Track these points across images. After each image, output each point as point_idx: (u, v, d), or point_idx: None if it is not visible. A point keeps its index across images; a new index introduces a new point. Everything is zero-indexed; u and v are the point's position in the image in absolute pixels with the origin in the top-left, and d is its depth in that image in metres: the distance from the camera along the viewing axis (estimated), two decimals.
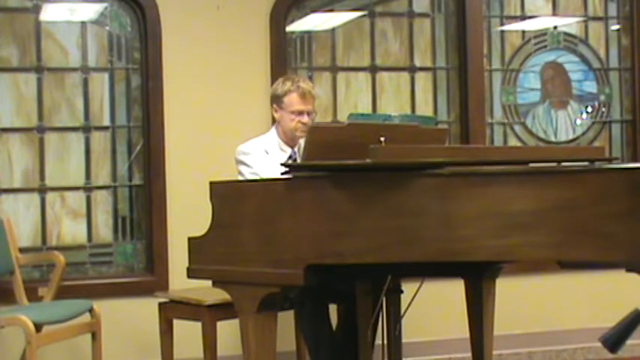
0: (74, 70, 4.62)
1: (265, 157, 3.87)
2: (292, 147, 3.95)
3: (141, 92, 4.67)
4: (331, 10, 4.94)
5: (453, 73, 5.08)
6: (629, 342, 2.51)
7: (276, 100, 3.93)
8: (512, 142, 5.13)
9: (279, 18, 4.75)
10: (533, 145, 5.12)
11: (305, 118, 3.87)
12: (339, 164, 2.81)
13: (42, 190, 4.57)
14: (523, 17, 5.20)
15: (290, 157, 3.92)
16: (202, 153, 4.59)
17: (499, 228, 2.58)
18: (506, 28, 5.18)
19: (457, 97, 5.07)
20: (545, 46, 5.24)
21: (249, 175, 3.82)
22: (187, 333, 4.17)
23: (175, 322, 4.15)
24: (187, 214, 4.41)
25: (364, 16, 4.98)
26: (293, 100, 3.88)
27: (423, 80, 5.05)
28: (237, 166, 3.92)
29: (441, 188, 2.67)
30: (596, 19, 5.30)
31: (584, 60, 5.29)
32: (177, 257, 4.27)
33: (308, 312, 3.74)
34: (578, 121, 5.29)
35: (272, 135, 3.98)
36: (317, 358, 3.73)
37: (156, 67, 4.59)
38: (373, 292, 3.48)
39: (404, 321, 3.60)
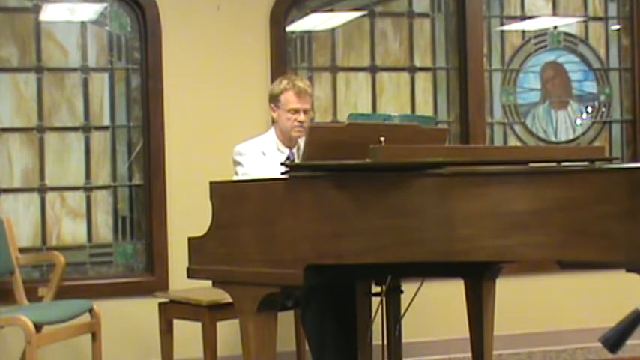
0: (74, 70, 4.62)
1: (261, 159, 3.86)
2: (290, 148, 3.95)
3: (141, 92, 4.67)
4: (331, 10, 4.94)
5: (453, 73, 5.07)
6: (629, 342, 2.50)
7: (273, 99, 3.93)
8: (512, 142, 5.13)
9: (279, 18, 4.75)
10: (533, 145, 5.12)
11: (301, 117, 3.87)
12: (339, 164, 2.81)
13: (42, 190, 4.57)
14: (523, 17, 5.20)
15: (288, 159, 3.91)
16: (202, 153, 4.59)
17: (499, 228, 2.58)
18: (506, 28, 5.18)
19: (457, 97, 5.07)
20: (545, 46, 5.23)
21: (241, 176, 3.82)
22: (187, 333, 4.17)
23: (175, 322, 4.15)
24: (187, 214, 4.41)
25: (364, 16, 4.98)
26: (289, 98, 3.87)
27: (423, 80, 5.05)
28: (233, 166, 3.92)
29: (441, 188, 2.67)
30: (596, 19, 5.30)
31: (584, 60, 5.29)
32: (177, 257, 4.26)
33: (313, 312, 3.73)
34: (578, 121, 5.29)
35: (270, 136, 3.98)
36: (320, 358, 3.72)
37: (156, 67, 4.60)
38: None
39: (404, 321, 3.60)
